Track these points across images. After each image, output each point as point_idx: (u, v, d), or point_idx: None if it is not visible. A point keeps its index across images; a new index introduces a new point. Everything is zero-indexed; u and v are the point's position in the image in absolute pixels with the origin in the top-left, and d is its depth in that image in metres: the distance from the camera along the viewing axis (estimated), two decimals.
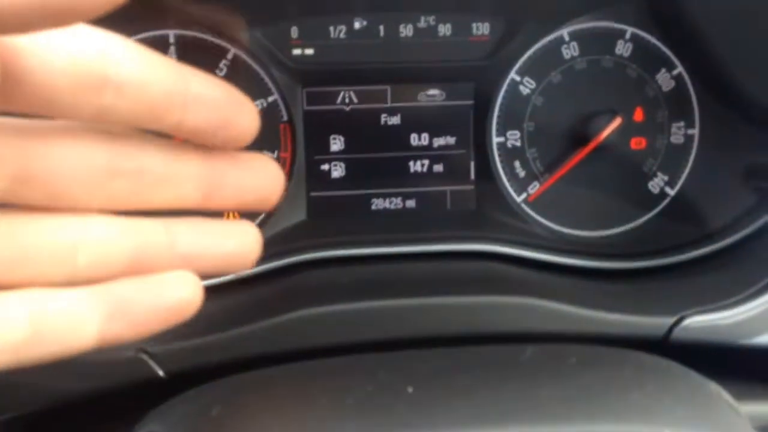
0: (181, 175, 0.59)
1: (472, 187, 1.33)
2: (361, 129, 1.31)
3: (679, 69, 1.31)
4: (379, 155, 1.31)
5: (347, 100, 1.30)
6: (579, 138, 1.29)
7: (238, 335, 0.94)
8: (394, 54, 1.29)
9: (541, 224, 1.33)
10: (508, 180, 1.33)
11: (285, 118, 1.29)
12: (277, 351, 0.94)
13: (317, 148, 1.30)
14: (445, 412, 0.67)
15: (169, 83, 0.54)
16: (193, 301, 0.58)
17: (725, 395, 0.77)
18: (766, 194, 1.18)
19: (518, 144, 1.33)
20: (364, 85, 1.30)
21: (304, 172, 1.30)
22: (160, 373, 0.91)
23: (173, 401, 0.77)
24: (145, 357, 0.91)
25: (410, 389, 0.71)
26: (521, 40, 1.30)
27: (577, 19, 1.30)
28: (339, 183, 1.31)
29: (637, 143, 1.32)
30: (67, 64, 0.50)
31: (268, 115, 1.28)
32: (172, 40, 1.24)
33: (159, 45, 1.23)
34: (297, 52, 1.28)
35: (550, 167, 1.32)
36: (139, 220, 0.59)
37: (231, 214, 1.28)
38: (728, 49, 1.21)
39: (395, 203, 1.33)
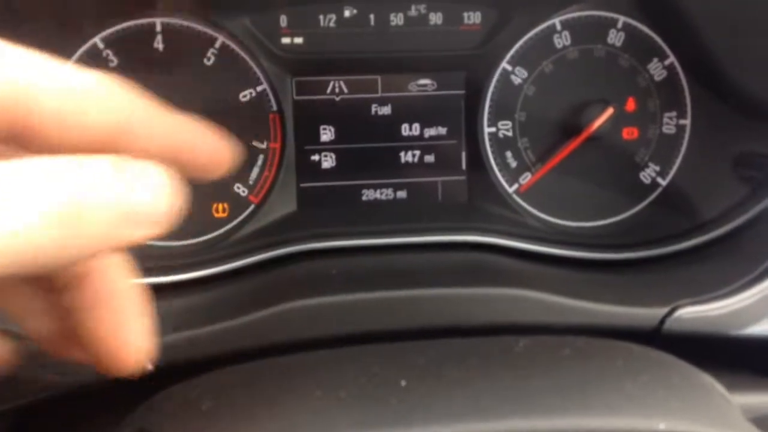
0: None
1: (463, 177, 1.33)
2: (351, 119, 1.29)
3: (671, 59, 1.30)
4: (369, 146, 1.30)
5: (337, 90, 1.29)
6: (571, 128, 1.29)
7: (228, 327, 0.93)
8: (384, 43, 1.28)
9: (532, 215, 1.33)
10: (500, 170, 1.32)
11: (274, 108, 1.27)
12: (268, 343, 0.93)
13: (307, 138, 1.29)
14: (439, 405, 0.67)
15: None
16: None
17: (718, 386, 0.77)
18: (758, 184, 1.18)
19: (510, 134, 1.32)
20: (355, 75, 1.29)
21: (294, 163, 1.29)
22: (149, 366, 0.90)
23: (163, 395, 0.76)
24: None
25: (403, 382, 0.70)
26: (513, 29, 1.29)
27: (569, 8, 1.29)
28: (329, 173, 1.30)
29: (629, 133, 1.32)
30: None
31: (257, 105, 1.27)
32: (158, 28, 1.22)
33: (145, 34, 1.22)
34: (286, 41, 1.26)
35: (541, 157, 1.32)
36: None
37: (220, 207, 1.27)
38: (719, 39, 1.21)
39: (386, 194, 1.32)
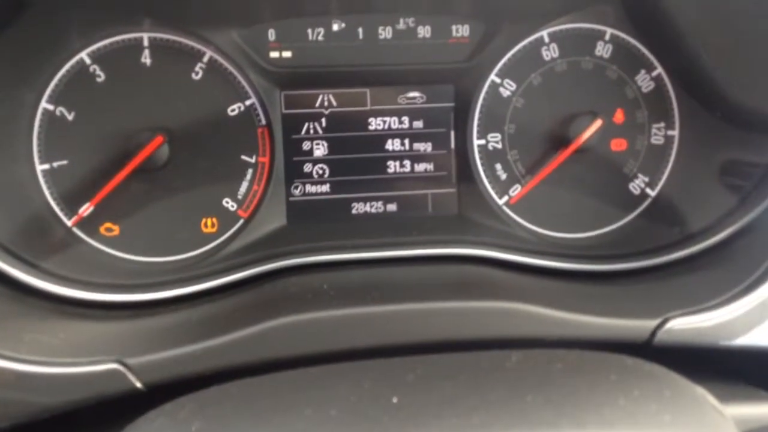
0: None
1: (453, 190, 1.33)
2: (340, 132, 1.29)
3: (659, 70, 1.31)
4: (359, 159, 1.30)
5: (326, 104, 1.29)
6: (560, 140, 1.29)
7: (217, 345, 0.92)
8: (373, 56, 1.28)
9: (523, 227, 1.32)
10: (490, 183, 1.32)
11: (263, 121, 1.27)
12: (258, 360, 0.92)
13: (296, 152, 1.29)
14: (431, 422, 0.66)
15: None
16: None
17: (711, 399, 0.77)
18: (746, 194, 1.18)
19: (499, 146, 1.32)
20: (343, 88, 1.29)
21: (284, 177, 1.29)
22: (138, 385, 0.89)
23: (151, 414, 0.75)
24: (122, 369, 0.89)
25: (395, 399, 0.70)
26: (501, 41, 1.29)
27: (557, 21, 1.29)
28: (319, 187, 1.30)
29: (618, 145, 1.32)
30: None
31: (245, 119, 1.26)
32: (146, 43, 1.21)
33: (133, 48, 1.21)
34: (275, 54, 1.26)
35: (531, 169, 1.32)
36: None
37: (209, 222, 1.26)
38: (707, 49, 1.22)
39: (376, 207, 1.31)
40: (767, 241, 1.09)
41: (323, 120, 1.29)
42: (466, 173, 1.32)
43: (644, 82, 1.31)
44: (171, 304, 1.11)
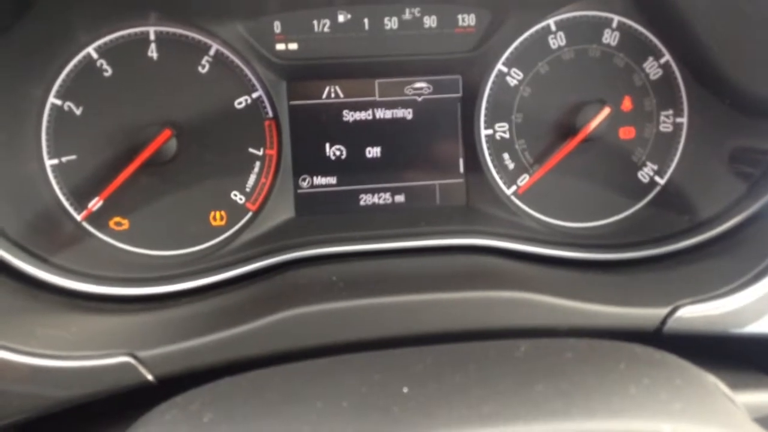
0: None
1: (461, 180, 1.32)
2: (347, 124, 1.29)
3: (667, 57, 1.30)
4: (366, 150, 1.30)
5: (333, 95, 1.28)
6: (568, 129, 1.28)
7: (228, 337, 0.92)
8: (379, 47, 1.28)
9: (531, 216, 1.32)
10: (498, 173, 1.32)
11: (270, 114, 1.27)
12: (268, 352, 0.92)
13: (304, 144, 1.29)
14: (441, 412, 0.66)
15: None
16: None
17: (722, 387, 0.77)
18: (756, 181, 1.17)
19: (507, 136, 1.32)
20: (350, 79, 1.28)
21: (291, 169, 1.29)
22: (150, 377, 0.90)
23: (162, 407, 0.75)
24: (133, 362, 0.89)
25: (405, 389, 0.70)
26: (508, 30, 1.29)
27: (564, 9, 1.29)
28: (327, 179, 1.30)
29: (626, 133, 1.32)
30: None
31: (252, 111, 1.26)
32: (152, 37, 1.21)
33: (139, 43, 1.21)
34: (281, 47, 1.26)
35: (539, 159, 1.31)
36: None
37: (218, 215, 1.27)
38: (716, 36, 1.21)
39: (384, 198, 1.31)
40: None
41: (330, 111, 1.28)
42: (473, 163, 1.31)
43: (652, 69, 1.31)
44: (181, 297, 1.11)
